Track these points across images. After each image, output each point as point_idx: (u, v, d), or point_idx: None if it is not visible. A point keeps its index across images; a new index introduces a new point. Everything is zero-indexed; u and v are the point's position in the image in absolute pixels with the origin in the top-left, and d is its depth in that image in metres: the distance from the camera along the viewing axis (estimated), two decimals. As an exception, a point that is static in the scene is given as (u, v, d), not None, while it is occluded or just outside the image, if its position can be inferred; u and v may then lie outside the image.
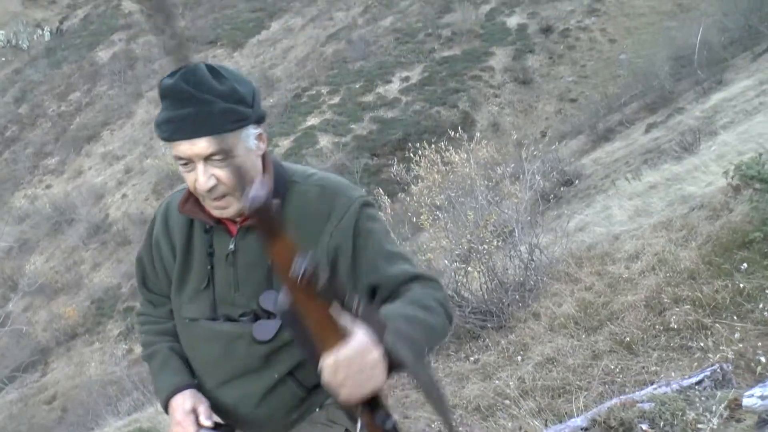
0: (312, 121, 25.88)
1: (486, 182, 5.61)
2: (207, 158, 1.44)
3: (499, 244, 5.11)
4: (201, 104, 1.39)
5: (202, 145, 1.42)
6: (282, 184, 1.55)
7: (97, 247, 27.77)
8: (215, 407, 1.58)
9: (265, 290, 1.53)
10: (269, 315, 1.53)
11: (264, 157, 1.55)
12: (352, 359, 1.13)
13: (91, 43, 42.92)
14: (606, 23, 27.29)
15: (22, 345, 23.74)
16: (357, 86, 26.79)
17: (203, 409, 1.55)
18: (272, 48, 36.02)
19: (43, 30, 46.46)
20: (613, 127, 17.71)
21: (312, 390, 1.57)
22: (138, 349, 21.02)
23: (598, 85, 24.13)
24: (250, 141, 1.48)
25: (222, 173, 1.44)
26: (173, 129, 1.42)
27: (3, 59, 45.35)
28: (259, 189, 1.05)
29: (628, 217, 6.33)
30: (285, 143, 24.77)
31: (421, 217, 5.16)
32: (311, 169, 1.62)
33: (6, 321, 21.81)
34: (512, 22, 28.60)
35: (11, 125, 38.96)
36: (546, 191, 9.85)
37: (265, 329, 1.52)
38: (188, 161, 1.45)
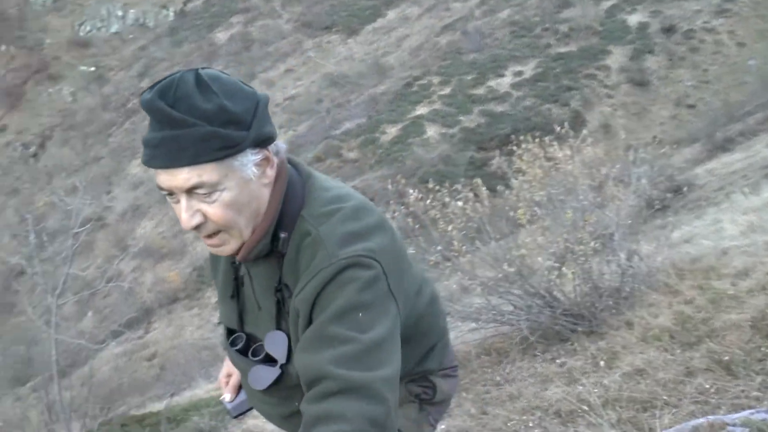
0: (421, 110, 25.88)
1: (589, 182, 5.42)
2: (190, 191, 1.19)
3: (597, 247, 4.93)
4: (179, 127, 1.15)
5: (182, 177, 1.17)
6: (291, 218, 1.30)
7: (203, 217, 28.90)
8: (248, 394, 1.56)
9: (274, 329, 1.35)
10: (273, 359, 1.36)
11: (277, 181, 1.30)
12: None
13: (210, 25, 44.77)
14: (736, 25, 25.78)
15: (129, 303, 25.19)
16: (469, 78, 26.57)
17: (233, 381, 1.57)
18: (387, 36, 36.28)
19: (167, 10, 48.81)
20: (733, 137, 16.73)
21: None
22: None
23: (720, 91, 22.88)
24: (247, 169, 1.22)
25: (210, 209, 1.21)
26: (150, 155, 1.19)
27: (131, 36, 47.96)
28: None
29: (741, 232, 5.97)
30: (392, 131, 24.93)
31: (518, 211, 5.05)
32: (336, 202, 1.31)
33: (116, 279, 23.12)
34: (633, 20, 27.52)
35: (133, 98, 41.25)
36: (652, 198, 9.44)
37: (262, 377, 1.35)
38: (171, 192, 1.22)
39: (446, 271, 5.46)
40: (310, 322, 1.23)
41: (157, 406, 9.20)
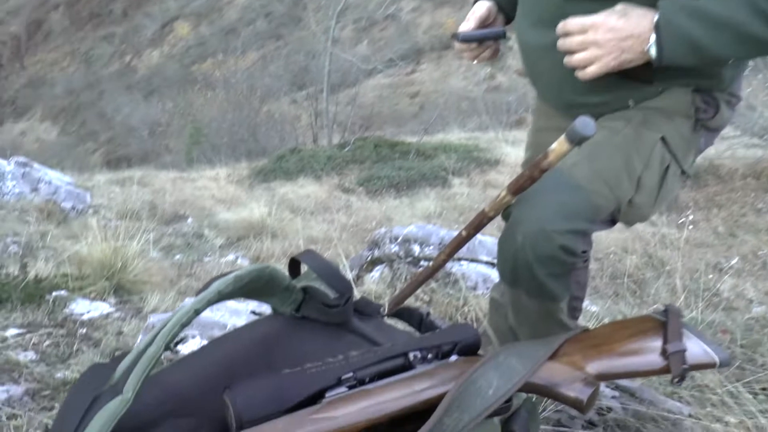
0: None
1: None
2: None
3: None
4: None
5: None
6: None
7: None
8: (522, 45, 1.46)
9: None
10: None
11: None
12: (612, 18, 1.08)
13: None
14: None
15: (403, 39, 25.93)
16: None
17: (478, 13, 1.49)
18: None
19: None
20: None
21: (624, 78, 1.28)
22: (498, 78, 21.70)
23: None
24: None
25: None
26: None
27: None
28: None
29: None
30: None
31: None
32: None
33: (395, 14, 23.63)
34: None
35: None
36: None
37: None
38: None
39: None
40: None
41: (410, 139, 9.63)
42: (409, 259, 2.79)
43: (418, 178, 7.17)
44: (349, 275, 3.14)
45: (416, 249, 2.79)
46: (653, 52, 1.13)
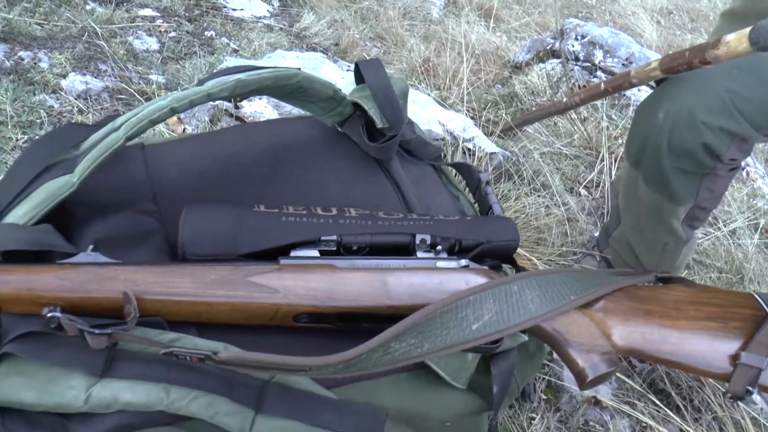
0: None
1: None
2: None
3: None
4: None
5: None
6: None
7: None
8: None
9: None
10: None
11: None
12: None
13: None
14: None
15: None
16: None
17: None
18: None
19: None
20: None
21: None
22: None
23: None
24: None
25: None
26: None
27: None
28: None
29: None
30: None
31: None
32: None
33: None
34: None
35: None
36: None
37: None
38: None
39: None
40: None
41: None
42: (586, 63, 2.43)
43: (669, -38, 6.17)
44: (524, 57, 2.84)
45: (599, 56, 2.41)
46: None
